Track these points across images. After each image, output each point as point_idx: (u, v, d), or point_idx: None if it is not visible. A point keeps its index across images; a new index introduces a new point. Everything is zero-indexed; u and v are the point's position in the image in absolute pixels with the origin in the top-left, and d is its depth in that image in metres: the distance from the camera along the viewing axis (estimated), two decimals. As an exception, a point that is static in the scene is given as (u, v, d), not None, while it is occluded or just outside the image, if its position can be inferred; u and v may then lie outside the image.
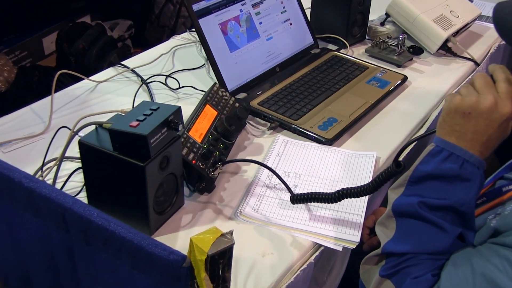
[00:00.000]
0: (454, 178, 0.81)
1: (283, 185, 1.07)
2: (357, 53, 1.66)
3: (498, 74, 0.84)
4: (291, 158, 1.16)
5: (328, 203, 0.98)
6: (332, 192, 0.97)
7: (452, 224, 0.81)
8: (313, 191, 1.00)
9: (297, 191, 1.07)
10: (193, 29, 1.67)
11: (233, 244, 0.70)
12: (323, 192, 0.98)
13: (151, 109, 0.89)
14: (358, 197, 0.96)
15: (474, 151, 0.82)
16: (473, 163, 0.81)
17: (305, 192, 1.01)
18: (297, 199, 1.01)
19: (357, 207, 1.04)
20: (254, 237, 0.97)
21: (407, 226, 0.83)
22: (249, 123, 1.28)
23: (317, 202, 0.99)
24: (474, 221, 0.85)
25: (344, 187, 0.96)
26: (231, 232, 0.70)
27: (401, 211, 0.84)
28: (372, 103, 1.35)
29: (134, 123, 0.86)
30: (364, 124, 1.30)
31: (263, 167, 1.12)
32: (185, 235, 0.96)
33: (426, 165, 0.83)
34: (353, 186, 1.07)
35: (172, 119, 0.89)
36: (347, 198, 0.97)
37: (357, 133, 1.27)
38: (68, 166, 1.11)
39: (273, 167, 1.13)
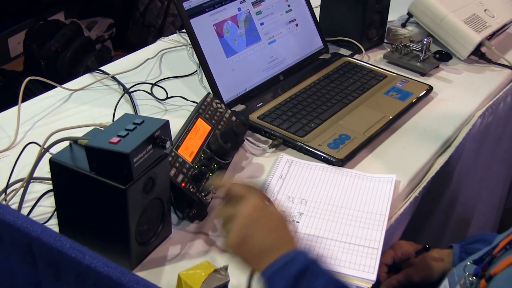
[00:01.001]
0: (296, 280, 0.81)
1: (287, 211, 1.08)
2: (373, 59, 1.69)
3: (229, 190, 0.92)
4: (296, 181, 1.17)
5: None
6: None
7: None
8: None
9: (302, 219, 1.08)
10: (184, 30, 1.69)
11: (228, 281, 0.71)
12: None
13: (134, 123, 0.91)
14: None
15: (285, 246, 0.86)
16: (295, 254, 0.83)
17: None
18: None
19: (372, 239, 1.05)
20: (252, 273, 0.98)
21: None
22: (247, 139, 1.29)
23: None
24: None
25: None
26: (225, 267, 0.71)
27: None
28: (391, 117, 1.36)
29: (115, 140, 0.87)
30: (382, 142, 1.31)
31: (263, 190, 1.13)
32: (172, 270, 0.97)
33: None
34: (367, 213, 1.09)
35: (159, 135, 0.90)
36: None
37: (373, 152, 1.28)
38: (36, 189, 1.12)
39: (275, 192, 1.14)
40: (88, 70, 1.56)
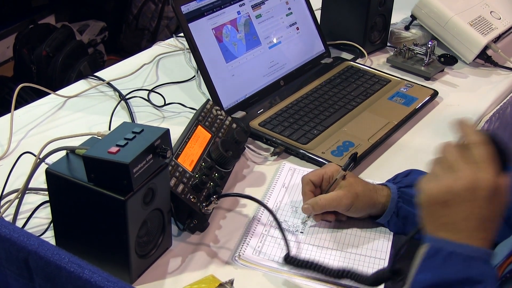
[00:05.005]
0: (462, 283, 0.76)
1: (290, 221, 1.08)
2: (376, 63, 1.69)
3: (470, 137, 0.82)
4: (299, 190, 1.17)
5: (327, 276, 0.97)
6: (334, 269, 0.97)
7: None
8: (313, 261, 0.98)
9: (307, 229, 1.08)
10: (181, 34, 1.70)
11: (233, 295, 0.71)
12: (323, 265, 0.97)
13: (133, 132, 0.91)
14: (359, 283, 0.96)
15: (474, 240, 0.78)
16: (481, 258, 0.78)
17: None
18: (291, 261, 0.99)
19: (379, 249, 1.05)
20: (257, 287, 0.98)
21: None
22: (248, 147, 1.30)
23: (315, 272, 0.98)
24: None
25: (350, 269, 0.96)
26: (231, 281, 0.72)
27: None
28: (396, 123, 1.37)
29: (114, 149, 0.87)
30: (387, 149, 1.32)
31: (265, 199, 1.13)
32: (173, 283, 0.97)
33: (424, 273, 0.79)
34: (373, 223, 1.09)
35: (159, 144, 0.91)
36: (348, 279, 0.97)
37: (378, 160, 1.29)
38: (32, 200, 1.12)
39: (277, 201, 1.14)
40: (81, 75, 1.57)
